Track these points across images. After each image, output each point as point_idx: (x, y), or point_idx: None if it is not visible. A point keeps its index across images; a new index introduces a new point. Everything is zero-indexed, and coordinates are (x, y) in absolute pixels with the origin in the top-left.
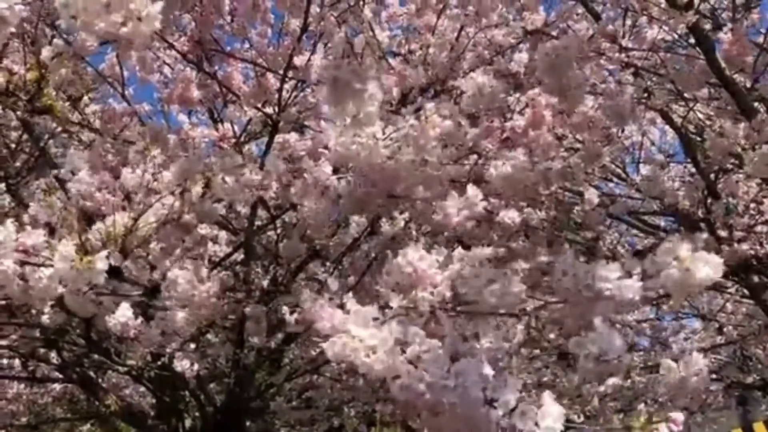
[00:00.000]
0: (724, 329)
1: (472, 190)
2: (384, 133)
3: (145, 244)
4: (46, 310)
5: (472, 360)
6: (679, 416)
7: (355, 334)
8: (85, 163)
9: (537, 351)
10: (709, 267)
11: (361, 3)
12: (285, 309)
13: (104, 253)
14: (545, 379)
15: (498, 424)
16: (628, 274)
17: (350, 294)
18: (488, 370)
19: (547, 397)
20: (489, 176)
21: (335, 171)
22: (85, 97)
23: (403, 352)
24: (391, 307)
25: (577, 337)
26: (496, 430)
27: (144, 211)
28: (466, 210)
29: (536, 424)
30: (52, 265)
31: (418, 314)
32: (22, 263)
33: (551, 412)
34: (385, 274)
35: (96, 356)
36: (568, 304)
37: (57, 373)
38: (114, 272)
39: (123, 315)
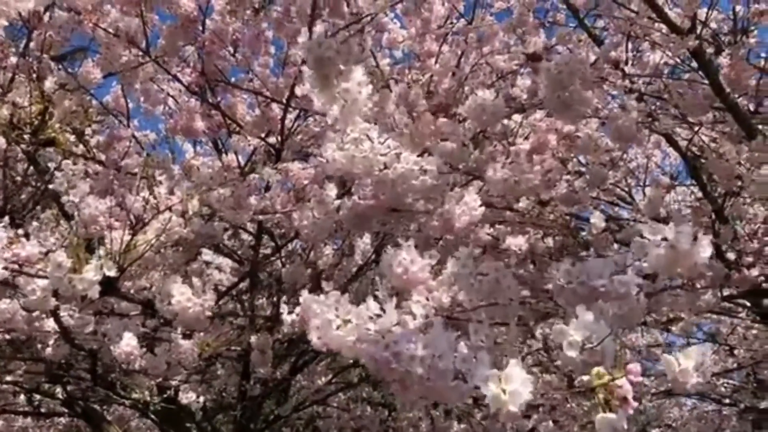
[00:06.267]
0: (735, 351)
1: (470, 195)
2: (380, 141)
3: (144, 262)
4: (50, 342)
5: (443, 332)
6: (635, 366)
7: (332, 312)
8: (90, 189)
9: (547, 376)
10: (698, 244)
11: (363, 31)
12: (284, 308)
13: (97, 263)
14: (557, 404)
15: (467, 395)
16: (623, 270)
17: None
18: (460, 344)
19: (512, 362)
20: (488, 179)
21: (339, 197)
22: (91, 129)
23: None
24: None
25: (560, 325)
26: (465, 400)
27: (142, 228)
28: (466, 216)
29: (503, 390)
30: (46, 277)
31: (413, 318)
32: (15, 273)
33: (517, 376)
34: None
35: (101, 390)
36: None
37: (62, 408)
38: (111, 288)
39: (128, 344)
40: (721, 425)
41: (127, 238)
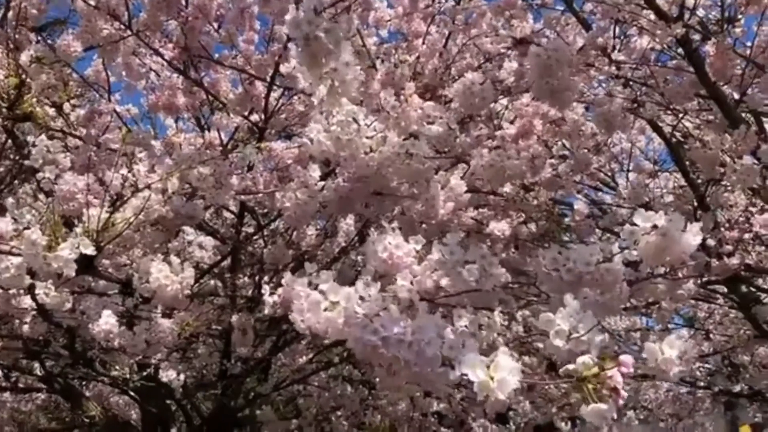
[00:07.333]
0: (711, 336)
1: (455, 179)
2: (366, 123)
3: (123, 241)
4: (28, 320)
5: (431, 317)
6: (628, 358)
7: (319, 293)
8: (69, 165)
9: (526, 358)
10: (689, 232)
11: (349, 9)
12: (265, 289)
13: (72, 241)
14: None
15: (453, 383)
16: (609, 257)
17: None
18: (447, 329)
19: (501, 351)
20: (474, 165)
21: (323, 178)
22: (70, 103)
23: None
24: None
25: (546, 313)
26: (452, 387)
27: (120, 206)
28: (451, 202)
29: (491, 377)
30: (20, 254)
31: (397, 302)
32: None
33: (505, 364)
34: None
35: (80, 367)
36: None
37: (40, 384)
38: (88, 267)
39: (106, 322)
40: (695, 407)
41: (105, 215)
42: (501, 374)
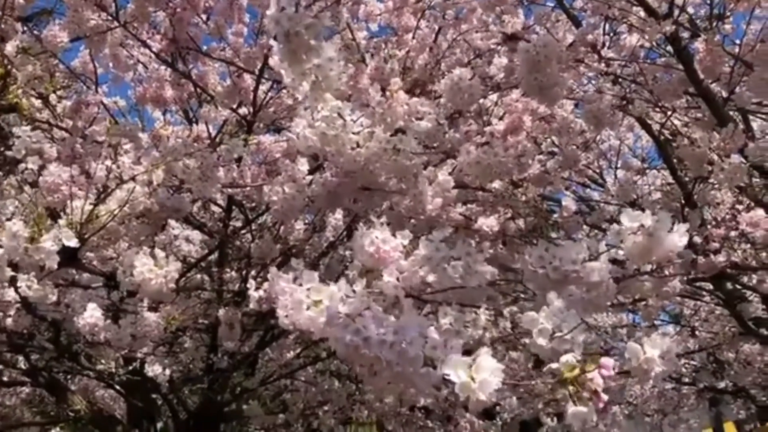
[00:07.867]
0: (697, 332)
1: (443, 175)
2: (352, 119)
3: (108, 233)
4: (11, 313)
5: (414, 317)
6: (609, 361)
7: (303, 292)
8: (55, 155)
9: (513, 353)
10: (675, 233)
11: (339, 3)
12: (251, 284)
13: (55, 233)
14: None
15: (436, 383)
16: (595, 256)
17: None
18: (431, 329)
19: (483, 351)
20: (459, 163)
21: (311, 172)
22: (57, 94)
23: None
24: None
25: (530, 312)
26: (434, 388)
27: (105, 198)
28: (439, 198)
29: (472, 378)
30: (1, 246)
31: (382, 299)
32: None
33: (486, 365)
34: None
35: (65, 361)
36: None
37: (25, 377)
38: (71, 259)
39: (91, 315)
40: (680, 403)
41: (89, 207)
42: (482, 375)
